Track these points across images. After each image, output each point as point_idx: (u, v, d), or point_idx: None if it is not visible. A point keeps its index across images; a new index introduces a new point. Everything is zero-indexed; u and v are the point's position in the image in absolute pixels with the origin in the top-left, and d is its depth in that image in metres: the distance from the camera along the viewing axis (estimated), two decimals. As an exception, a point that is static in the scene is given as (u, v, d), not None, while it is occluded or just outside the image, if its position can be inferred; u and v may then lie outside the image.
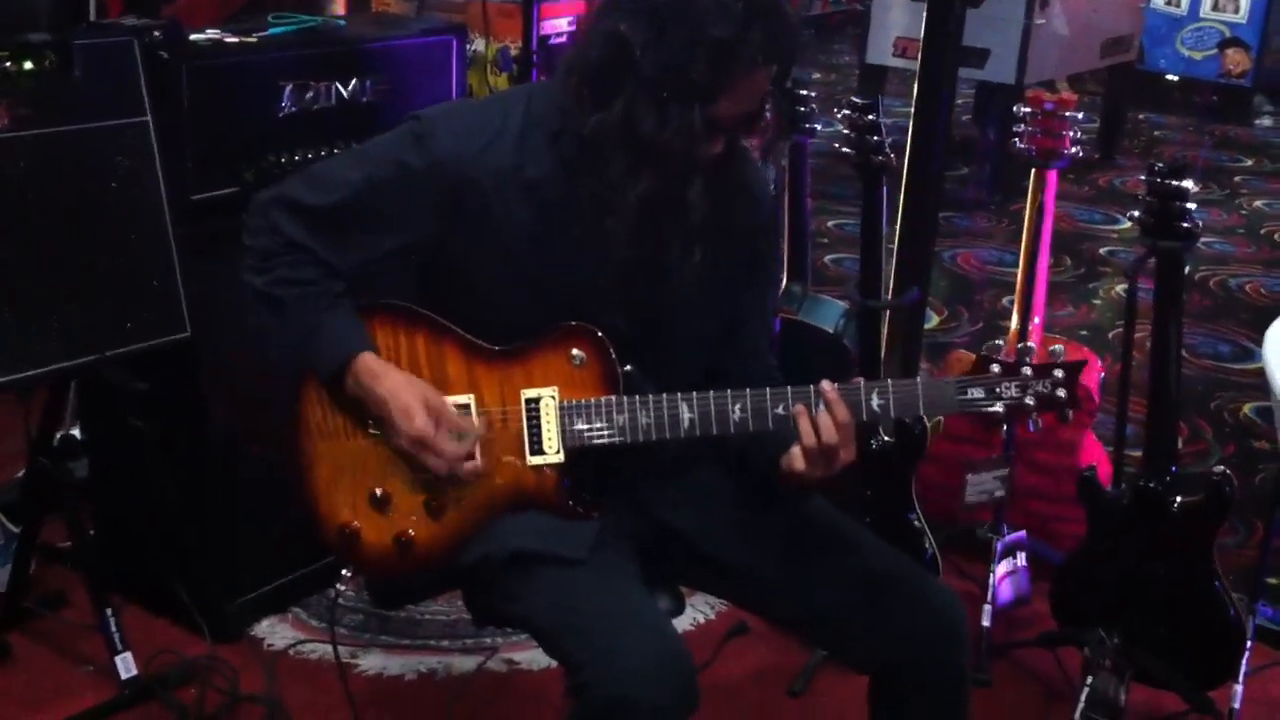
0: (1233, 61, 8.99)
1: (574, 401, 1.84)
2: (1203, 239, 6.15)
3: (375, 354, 1.84)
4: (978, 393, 1.76)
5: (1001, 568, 2.92)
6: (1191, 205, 2.32)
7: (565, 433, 1.84)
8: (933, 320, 4.92)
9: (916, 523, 2.75)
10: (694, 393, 1.81)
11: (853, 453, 1.78)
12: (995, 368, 1.76)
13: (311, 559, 2.91)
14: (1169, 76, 9.10)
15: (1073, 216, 6.38)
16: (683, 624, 2.87)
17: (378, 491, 1.89)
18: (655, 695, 1.64)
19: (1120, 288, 5.19)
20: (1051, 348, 1.75)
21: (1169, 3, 9.02)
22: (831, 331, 2.93)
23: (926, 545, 2.79)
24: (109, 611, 2.57)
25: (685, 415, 1.80)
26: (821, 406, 1.75)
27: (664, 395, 1.81)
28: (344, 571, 1.97)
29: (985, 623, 2.84)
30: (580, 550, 1.79)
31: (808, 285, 3.18)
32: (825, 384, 1.76)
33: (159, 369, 2.54)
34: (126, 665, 2.57)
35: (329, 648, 2.78)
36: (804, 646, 2.81)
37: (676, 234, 1.80)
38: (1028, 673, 2.82)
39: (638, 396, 1.82)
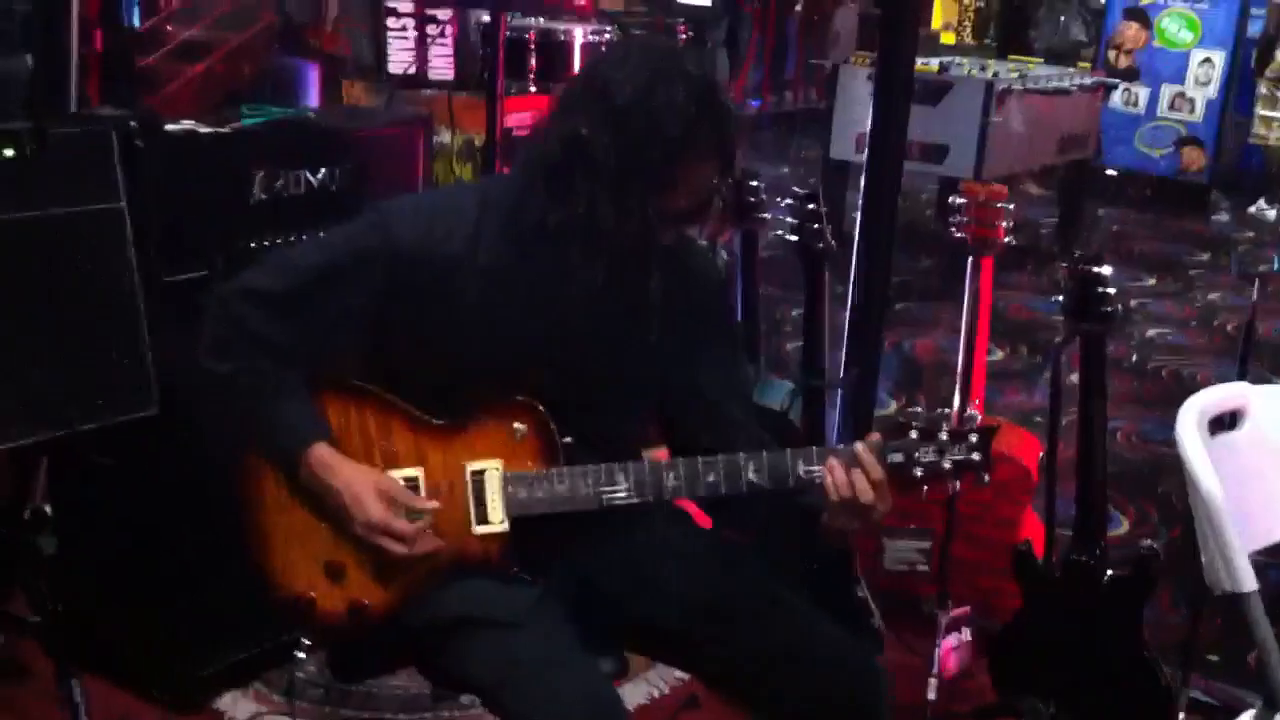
0: (1189, 159, 9.25)
1: (517, 473, 1.93)
2: (1156, 330, 6.33)
3: (329, 442, 1.93)
4: (897, 457, 1.84)
5: (948, 641, 3.00)
6: (1110, 290, 2.44)
7: (509, 502, 1.93)
8: (890, 406, 5.05)
9: (861, 594, 2.84)
10: (630, 463, 1.90)
11: (889, 503, 1.84)
12: (913, 434, 1.84)
13: (273, 633, 2.97)
14: (1126, 172, 9.35)
15: (1030, 307, 6.54)
16: (637, 697, 2.95)
17: (331, 562, 1.97)
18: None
19: (1074, 376, 5.32)
20: (968, 413, 1.85)
21: (1127, 102, 9.31)
22: (778, 409, 3.04)
23: (873, 619, 2.87)
24: (74, 683, 2.63)
25: (621, 485, 1.90)
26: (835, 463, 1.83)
27: (602, 465, 1.91)
28: (303, 640, 2.04)
29: (930, 695, 2.91)
30: (518, 614, 1.88)
31: (760, 368, 3.29)
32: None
33: (127, 444, 2.63)
34: (89, 736, 2.62)
35: (291, 720, 2.85)
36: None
37: (627, 315, 1.92)
38: (969, 744, 2.90)
39: (578, 467, 1.91)
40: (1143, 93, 9.34)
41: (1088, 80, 7.64)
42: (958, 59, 7.58)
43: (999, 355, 5.72)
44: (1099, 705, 2.63)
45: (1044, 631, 2.68)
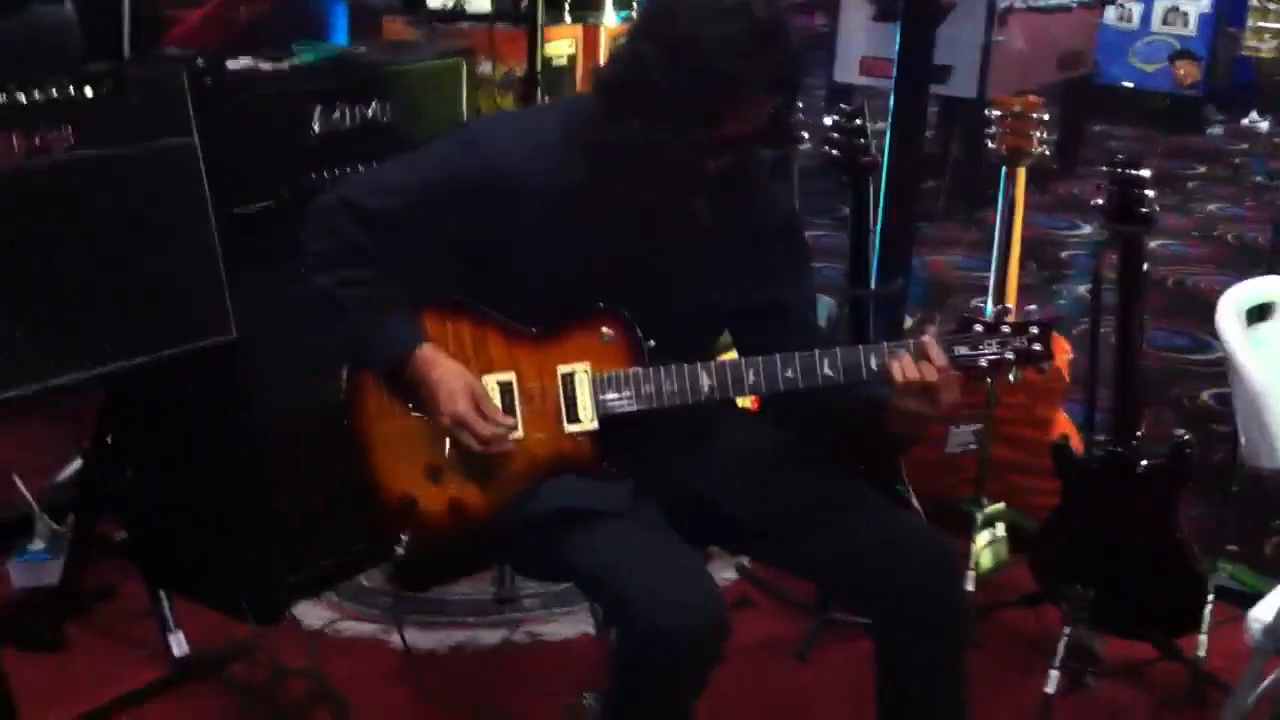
0: (1184, 73, 9.32)
1: (605, 374, 2.06)
2: (1159, 241, 6.46)
3: (430, 345, 2.06)
4: (963, 350, 1.96)
5: (982, 537, 3.15)
6: (1149, 192, 2.56)
7: (598, 403, 2.06)
8: (906, 323, 5.16)
9: (903, 492, 2.98)
10: (711, 362, 2.03)
11: (956, 392, 1.94)
12: (977, 327, 1.97)
13: (345, 546, 3.12)
14: (1124, 86, 9.42)
15: (1036, 224, 6.66)
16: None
17: (430, 464, 2.11)
18: (696, 624, 1.85)
19: (1083, 288, 5.45)
20: (1027, 308, 1.98)
21: (1121, 18, 9.35)
22: (823, 325, 3.16)
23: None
24: (161, 594, 2.77)
25: (705, 382, 2.02)
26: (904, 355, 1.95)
27: (684, 365, 2.03)
28: (402, 536, 2.17)
29: (969, 587, 3.07)
30: (620, 504, 2.01)
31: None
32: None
33: (205, 371, 2.75)
34: (179, 644, 2.78)
35: (363, 626, 3.01)
36: (805, 616, 3.05)
37: (688, 234, 2.03)
38: (1011, 631, 3.05)
39: (662, 367, 2.04)
40: (1136, 8, 9.38)
41: (1085, -4, 7.70)
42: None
43: (1009, 271, 5.84)
44: (1135, 590, 2.76)
45: (1082, 522, 2.81)
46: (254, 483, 2.92)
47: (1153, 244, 6.45)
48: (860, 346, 1.99)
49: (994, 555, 3.17)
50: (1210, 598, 2.79)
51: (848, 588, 2.14)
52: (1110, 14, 9.09)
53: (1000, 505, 3.18)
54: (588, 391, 2.06)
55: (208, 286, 2.68)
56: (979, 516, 3.13)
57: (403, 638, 2.72)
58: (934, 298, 5.50)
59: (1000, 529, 3.19)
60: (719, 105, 1.89)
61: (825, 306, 3.18)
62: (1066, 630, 2.78)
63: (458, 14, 3.76)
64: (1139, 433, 2.74)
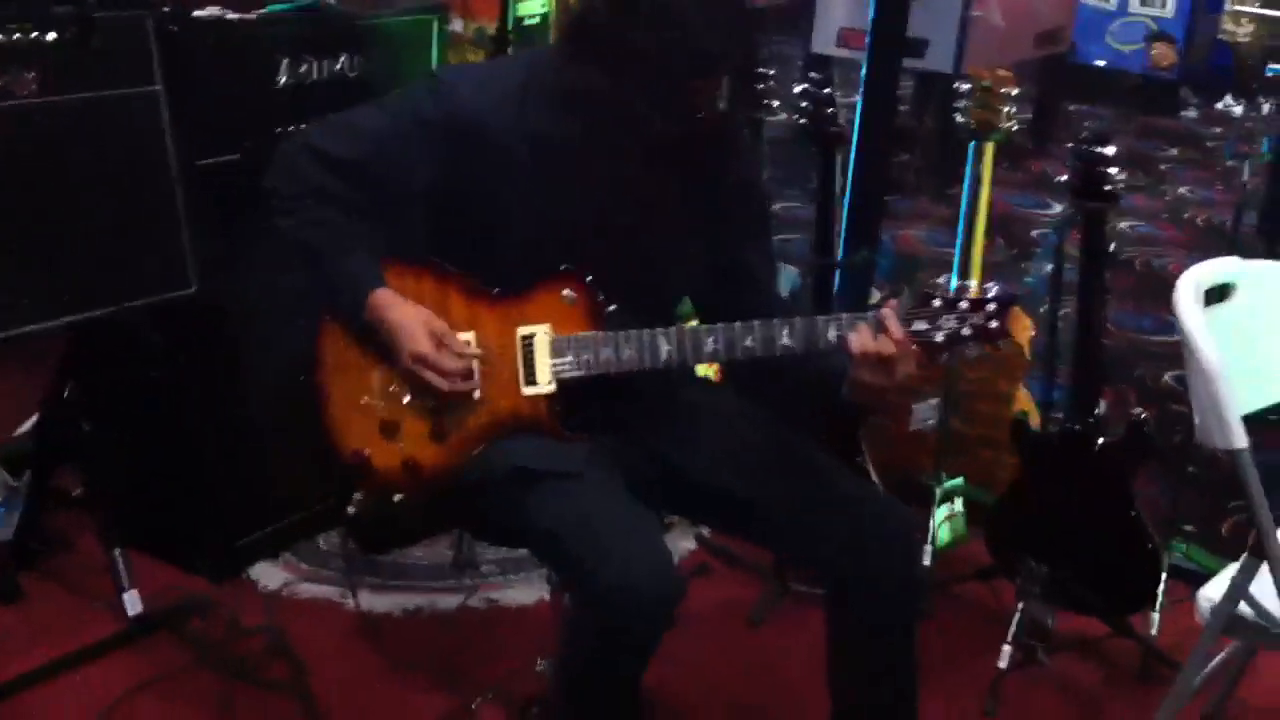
0: (1160, 55, 9.34)
1: (564, 337, 2.05)
2: (1129, 223, 6.48)
3: (387, 290, 2.04)
4: (921, 324, 1.96)
5: (941, 512, 3.17)
6: (1113, 170, 2.56)
7: (555, 365, 2.05)
8: (874, 296, 5.17)
9: (861, 464, 2.99)
10: (672, 328, 2.02)
11: (912, 365, 1.94)
12: (936, 303, 1.96)
13: (301, 506, 3.10)
14: (1100, 66, 9.43)
15: (1007, 201, 6.67)
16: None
17: (387, 420, 2.10)
18: (648, 585, 1.85)
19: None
20: (985, 284, 1.98)
21: (1100, -3, 9.36)
22: (785, 295, 3.15)
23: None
24: (117, 551, 2.76)
25: (664, 348, 2.02)
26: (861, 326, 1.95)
27: (644, 331, 2.02)
28: (355, 496, 2.16)
29: (925, 561, 3.09)
30: (576, 465, 2.01)
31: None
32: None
33: (168, 325, 2.72)
34: (133, 601, 2.76)
35: (319, 587, 3.00)
36: (759, 585, 3.06)
37: (652, 191, 2.01)
38: (966, 605, 3.07)
39: (621, 332, 2.03)
40: (1115, -13, 9.39)
41: (1064, -25, 7.71)
42: (937, -46, 7.60)
43: (978, 248, 5.85)
44: (1091, 566, 2.78)
45: (1040, 497, 2.83)
46: (215, 438, 2.91)
47: (1122, 225, 6.50)
48: (819, 317, 1.98)
49: (952, 529, 3.19)
50: (1164, 576, 2.81)
51: (804, 553, 2.14)
52: (1088, -7, 9.11)
53: (959, 480, 3.20)
54: (546, 353, 2.06)
55: (168, 239, 2.66)
56: (938, 491, 3.15)
57: (354, 597, 2.71)
58: (902, 272, 5.51)
59: (959, 504, 3.21)
60: (666, 62, 1.88)
61: (790, 276, 3.18)
62: (1020, 606, 2.79)
63: (432, -30, 3.72)
64: (1099, 411, 2.76)
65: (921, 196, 6.66)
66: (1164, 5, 9.26)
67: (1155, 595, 2.80)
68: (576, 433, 2.07)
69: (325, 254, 2.04)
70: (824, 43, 6.82)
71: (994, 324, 1.97)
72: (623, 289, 2.06)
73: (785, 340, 1.99)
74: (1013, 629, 2.78)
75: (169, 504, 2.96)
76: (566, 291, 2.05)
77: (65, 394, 2.80)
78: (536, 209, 2.04)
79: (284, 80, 2.85)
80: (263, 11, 2.84)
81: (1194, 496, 3.55)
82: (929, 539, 3.11)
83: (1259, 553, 2.06)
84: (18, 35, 2.35)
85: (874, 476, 3.02)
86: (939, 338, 1.97)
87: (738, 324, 2.00)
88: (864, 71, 3.30)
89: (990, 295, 1.97)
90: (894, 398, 2.02)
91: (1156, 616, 2.84)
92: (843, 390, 2.01)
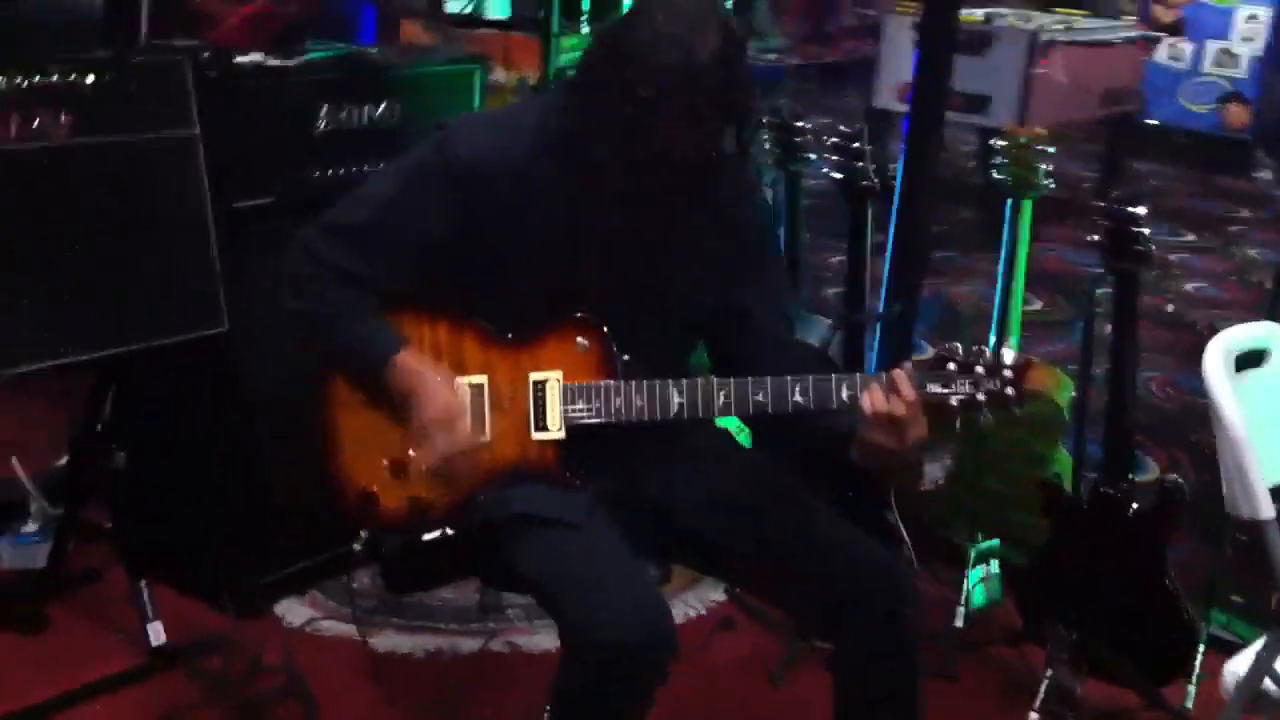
0: (1233, 115, 9.21)
1: (576, 385, 2.05)
2: (1194, 284, 6.37)
3: (409, 352, 2.05)
4: (935, 387, 1.93)
5: (975, 573, 3.11)
6: (1145, 229, 2.52)
7: (566, 412, 2.05)
8: (927, 351, 5.12)
9: (891, 520, 2.94)
10: (684, 379, 2.01)
11: (923, 429, 1.92)
12: (951, 365, 1.94)
13: (330, 545, 3.10)
14: (1172, 126, 9.31)
15: (1068, 259, 6.58)
16: (675, 617, 3.07)
17: (395, 460, 2.10)
18: (641, 637, 1.84)
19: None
20: (1002, 350, 1.95)
21: (1171, 57, 9.26)
22: (817, 345, 3.13)
23: (903, 546, 2.98)
24: (142, 583, 2.78)
25: (675, 400, 2.01)
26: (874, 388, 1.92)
27: (656, 382, 2.01)
28: (361, 533, 2.16)
29: (958, 623, 3.04)
30: (577, 516, 2.00)
31: (800, 307, 3.38)
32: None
33: (198, 362, 2.76)
34: (156, 633, 2.79)
35: (343, 625, 3.00)
36: (783, 640, 3.02)
37: (668, 235, 2.03)
38: (995, 668, 3.01)
39: (634, 382, 2.02)
40: (1187, 48, 9.29)
41: (1131, 34, 7.64)
42: (1002, 10, 7.59)
43: (1037, 305, 5.77)
44: (1122, 635, 2.72)
45: (1071, 562, 2.77)
46: (243, 475, 2.94)
47: (1187, 286, 6.39)
48: (833, 375, 1.97)
49: (986, 591, 3.13)
50: (1201, 647, 2.73)
51: (801, 612, 2.11)
52: (1161, 53, 9.02)
53: (994, 542, 3.14)
54: (557, 400, 2.05)
55: (202, 278, 2.69)
56: (972, 553, 3.09)
57: (364, 639, 2.71)
58: (947, 327, 5.45)
59: (994, 566, 3.15)
60: (650, 121, 1.87)
61: (821, 329, 3.16)
62: (1048, 672, 2.73)
63: (475, 19, 3.78)
64: (1144, 475, 2.70)
65: (983, 253, 6.59)
66: (1238, 65, 9.14)
67: (1191, 666, 2.72)
68: (583, 480, 2.06)
69: (340, 327, 2.06)
70: (886, 98, 6.81)
71: (1010, 391, 1.94)
72: (634, 337, 2.05)
73: (797, 397, 1.97)
74: (1040, 696, 2.72)
75: (195, 538, 2.98)
76: (580, 339, 2.05)
77: (96, 428, 2.85)
78: (546, 252, 2.04)
79: (323, 125, 2.89)
80: (302, 59, 2.88)
81: (1241, 565, 3.46)
82: (962, 600, 3.05)
83: (1288, 628, 2.00)
84: (56, 77, 2.40)
85: (902, 532, 2.97)
86: (953, 401, 1.95)
87: (750, 379, 1.99)
88: (905, 125, 3.29)
89: (1007, 360, 1.94)
90: (910, 457, 1.99)
91: (1192, 689, 2.76)
92: (850, 451, 1.98)
